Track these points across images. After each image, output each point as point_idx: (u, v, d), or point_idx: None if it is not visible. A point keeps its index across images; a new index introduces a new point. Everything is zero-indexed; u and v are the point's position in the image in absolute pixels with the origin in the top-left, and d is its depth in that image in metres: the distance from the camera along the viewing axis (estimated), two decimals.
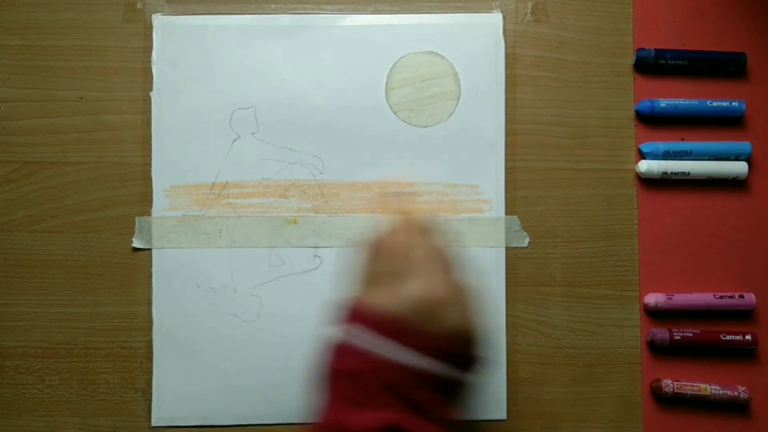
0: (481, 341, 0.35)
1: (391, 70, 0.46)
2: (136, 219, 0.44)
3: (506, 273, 0.45)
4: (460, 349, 0.33)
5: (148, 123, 0.45)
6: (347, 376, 0.32)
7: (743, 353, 0.45)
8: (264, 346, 0.44)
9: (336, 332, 0.33)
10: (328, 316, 0.35)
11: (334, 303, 0.35)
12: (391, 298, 0.33)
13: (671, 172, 0.45)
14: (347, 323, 0.33)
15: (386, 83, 0.45)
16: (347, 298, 0.34)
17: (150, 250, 0.44)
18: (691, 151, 0.45)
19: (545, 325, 0.45)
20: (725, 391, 0.44)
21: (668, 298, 0.45)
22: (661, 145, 0.45)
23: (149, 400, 0.44)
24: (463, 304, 0.34)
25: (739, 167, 0.46)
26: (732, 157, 0.46)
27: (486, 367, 0.36)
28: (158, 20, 0.45)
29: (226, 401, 0.44)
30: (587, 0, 0.46)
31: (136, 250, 0.44)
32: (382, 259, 0.35)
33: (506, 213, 0.45)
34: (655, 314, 0.45)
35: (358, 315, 0.33)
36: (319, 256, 0.45)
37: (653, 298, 0.45)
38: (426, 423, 0.32)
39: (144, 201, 0.45)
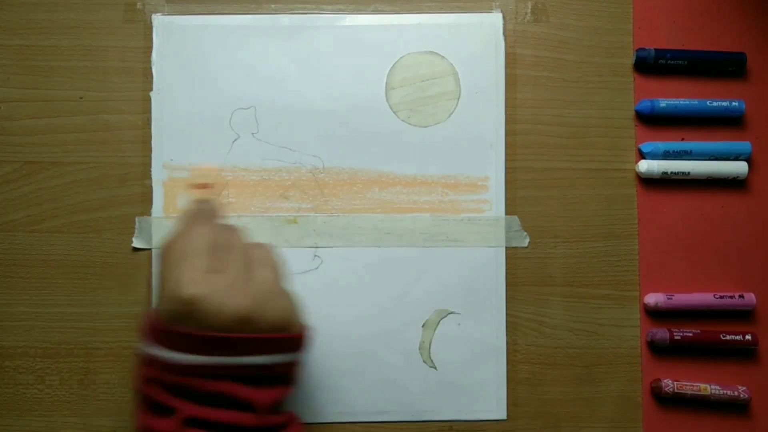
0: (277, 319, 0.34)
1: (391, 70, 0.46)
2: (136, 219, 0.44)
3: (506, 273, 0.45)
4: (236, 335, 0.32)
5: (148, 123, 0.45)
6: (143, 384, 0.33)
7: (743, 353, 0.45)
8: None
9: (138, 344, 0.35)
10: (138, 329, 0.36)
11: (150, 300, 0.36)
12: (159, 302, 0.34)
13: (671, 172, 0.45)
14: (141, 334, 0.34)
15: (386, 83, 0.45)
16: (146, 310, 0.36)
17: (150, 250, 0.44)
18: (691, 151, 0.45)
19: (545, 325, 0.45)
20: (725, 391, 0.44)
21: (668, 298, 0.45)
22: (661, 145, 0.45)
23: None
24: (238, 287, 0.33)
25: (739, 167, 0.46)
26: (732, 157, 0.46)
27: (297, 341, 0.35)
28: (158, 20, 0.45)
29: None
30: (587, 0, 0.46)
31: (136, 250, 0.44)
32: (161, 261, 0.35)
33: (506, 213, 0.45)
34: (655, 314, 0.45)
35: (143, 324, 0.34)
36: (319, 256, 0.45)
37: (653, 298, 0.45)
38: (233, 412, 0.32)
39: (144, 201, 0.45)
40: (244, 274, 0.34)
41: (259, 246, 0.37)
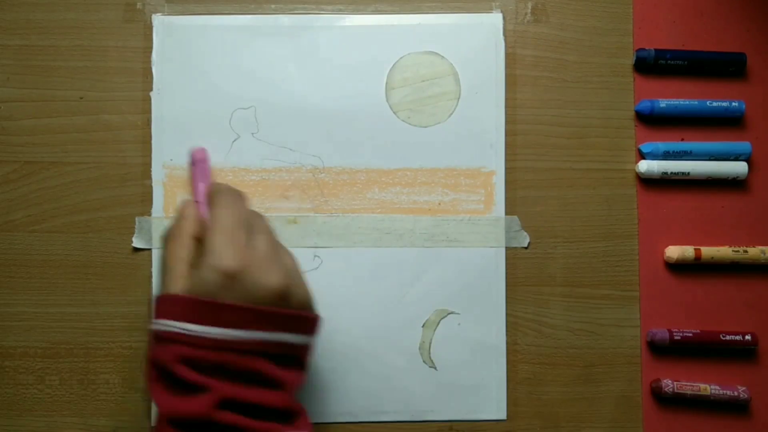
0: (305, 299, 0.34)
1: (391, 70, 0.46)
2: (136, 219, 0.44)
3: (506, 273, 0.45)
4: (279, 310, 0.33)
5: (148, 123, 0.45)
6: (167, 365, 0.32)
7: (743, 353, 0.45)
8: None
9: (152, 327, 0.34)
10: (149, 313, 0.35)
11: (151, 300, 0.35)
12: (188, 281, 0.33)
13: (671, 172, 0.45)
14: (157, 317, 0.33)
15: (386, 83, 0.45)
16: (157, 293, 0.34)
17: (150, 250, 0.44)
18: (691, 151, 0.45)
19: (545, 325, 0.45)
20: (725, 391, 0.44)
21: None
22: (661, 145, 0.45)
23: (149, 400, 0.44)
24: (272, 265, 0.33)
25: (739, 167, 0.46)
26: (732, 157, 0.46)
27: (318, 324, 0.36)
28: (158, 20, 0.45)
29: None
30: (587, 0, 0.47)
31: (136, 250, 0.44)
32: (178, 244, 0.35)
33: (506, 213, 0.45)
34: (655, 314, 0.45)
35: (164, 306, 0.33)
36: (319, 256, 0.45)
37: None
38: (264, 390, 0.32)
39: (144, 201, 0.45)
40: (275, 253, 0.34)
41: (275, 232, 0.37)
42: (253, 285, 0.32)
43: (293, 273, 0.35)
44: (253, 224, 0.35)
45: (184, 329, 0.32)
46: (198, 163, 0.42)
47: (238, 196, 0.37)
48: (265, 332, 0.33)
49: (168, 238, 0.36)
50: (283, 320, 0.33)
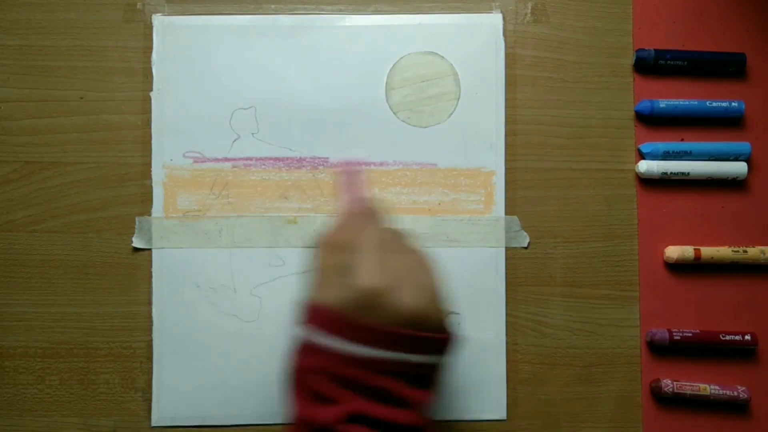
0: (441, 320, 0.34)
1: (391, 70, 0.46)
2: (136, 219, 0.44)
3: (506, 273, 0.45)
4: (415, 332, 0.33)
5: (148, 123, 0.45)
6: (307, 374, 0.33)
7: (743, 353, 0.45)
8: (264, 346, 0.44)
9: (296, 333, 0.34)
10: (293, 317, 0.35)
11: (297, 304, 0.35)
12: (335, 293, 0.33)
13: (671, 173, 0.45)
14: (304, 323, 0.34)
15: (386, 83, 0.45)
16: (305, 298, 0.35)
17: (150, 250, 0.44)
18: (690, 152, 0.45)
19: (545, 325, 0.45)
20: (725, 391, 0.44)
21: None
22: (661, 146, 0.45)
23: (149, 400, 0.44)
24: (412, 286, 0.33)
25: (739, 167, 0.46)
26: (731, 158, 0.46)
27: (453, 344, 0.35)
28: (158, 20, 0.45)
29: (226, 401, 0.44)
30: (587, 0, 0.47)
31: (136, 250, 0.44)
32: (330, 253, 0.35)
33: (506, 213, 0.45)
34: (655, 314, 0.45)
35: (310, 314, 0.34)
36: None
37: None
38: (393, 409, 0.33)
39: (144, 201, 0.45)
40: (415, 274, 0.34)
41: (422, 251, 0.37)
42: (391, 306, 0.32)
43: (431, 293, 0.35)
44: (397, 244, 0.36)
45: (324, 342, 0.33)
46: (352, 174, 0.42)
47: (372, 214, 0.38)
48: (397, 353, 0.33)
49: (323, 245, 0.36)
50: (416, 342, 0.33)
